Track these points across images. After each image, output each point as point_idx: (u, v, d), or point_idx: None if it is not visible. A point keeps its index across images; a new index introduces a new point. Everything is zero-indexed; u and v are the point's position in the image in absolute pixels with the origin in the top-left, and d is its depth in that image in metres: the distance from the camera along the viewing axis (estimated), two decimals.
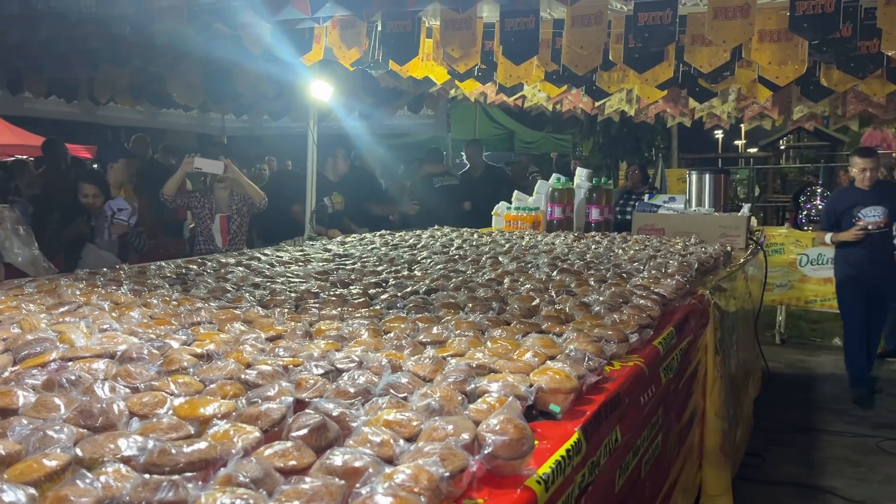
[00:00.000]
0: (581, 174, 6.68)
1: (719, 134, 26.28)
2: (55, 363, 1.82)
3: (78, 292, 2.81)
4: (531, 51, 4.81)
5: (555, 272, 3.50)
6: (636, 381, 2.17)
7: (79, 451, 1.30)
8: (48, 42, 6.25)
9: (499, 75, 5.76)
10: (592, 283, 3.21)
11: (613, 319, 2.48)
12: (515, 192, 6.63)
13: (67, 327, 2.16)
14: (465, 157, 8.33)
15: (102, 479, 1.16)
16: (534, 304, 2.69)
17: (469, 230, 5.82)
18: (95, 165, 11.38)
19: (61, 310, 2.51)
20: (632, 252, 4.37)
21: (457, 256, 4.09)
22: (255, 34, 5.71)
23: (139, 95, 8.01)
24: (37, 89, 7.98)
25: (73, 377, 1.70)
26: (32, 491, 1.16)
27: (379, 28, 5.59)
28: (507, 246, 4.64)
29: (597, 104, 7.55)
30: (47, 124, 11.12)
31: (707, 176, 6.49)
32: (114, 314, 2.47)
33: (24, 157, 12.13)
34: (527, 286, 3.09)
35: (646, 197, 7.10)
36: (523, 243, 4.81)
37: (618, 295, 2.89)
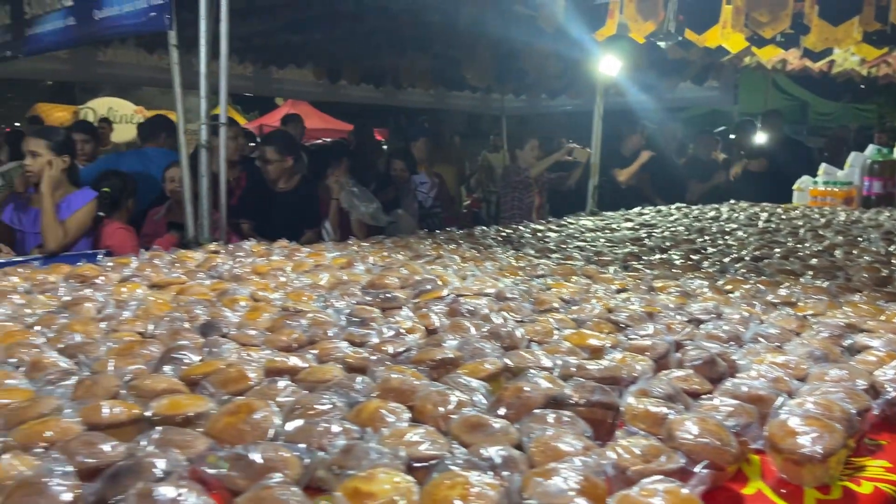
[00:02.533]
0: None
1: None
2: (450, 297, 2.16)
3: (429, 247, 3.24)
4: (853, 10, 4.42)
5: (892, 247, 3.24)
6: None
7: (508, 361, 1.57)
8: (368, 34, 7.11)
9: (809, 39, 5.35)
10: None
11: None
12: (823, 165, 6.12)
13: (441, 273, 2.53)
14: (759, 128, 7.83)
15: (541, 381, 1.40)
16: (883, 274, 2.55)
17: (770, 205, 5.52)
18: (385, 146, 12.63)
19: (423, 260, 2.92)
20: None
21: (770, 229, 3.95)
22: (551, 12, 5.94)
23: (437, 79, 8.74)
24: (352, 77, 9.11)
25: (468, 308, 2.02)
26: (484, 385, 1.44)
27: None
28: (824, 221, 4.35)
29: None
30: (353, 109, 12.56)
31: None
32: (465, 264, 2.83)
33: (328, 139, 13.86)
34: (865, 258, 2.92)
35: None
36: (841, 219, 4.48)
37: None
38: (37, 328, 1.79)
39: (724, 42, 6.10)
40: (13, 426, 1.22)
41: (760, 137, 7.82)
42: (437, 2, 5.97)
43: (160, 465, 1.06)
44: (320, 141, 14.34)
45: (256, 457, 1.09)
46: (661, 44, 6.61)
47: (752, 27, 5.42)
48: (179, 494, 0.97)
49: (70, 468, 1.04)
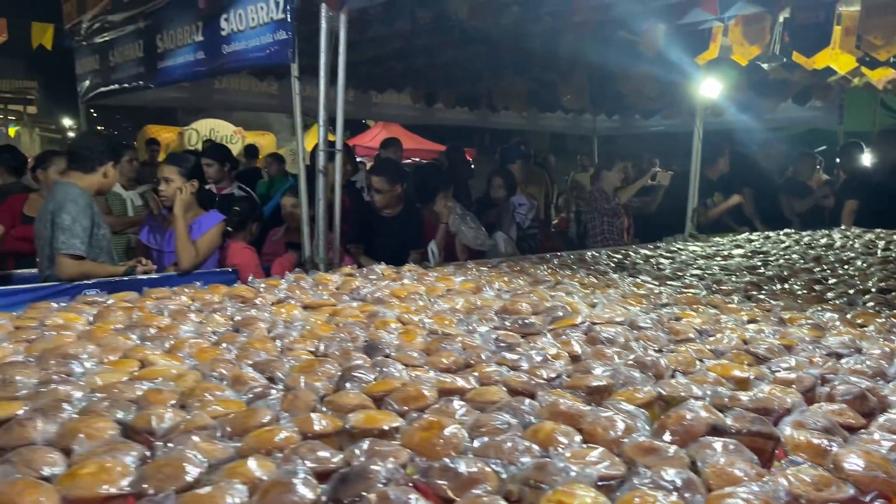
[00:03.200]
0: None
1: None
2: (584, 324, 2.28)
3: (545, 273, 3.36)
4: None
5: None
6: None
7: (660, 390, 1.68)
8: (468, 60, 7.34)
9: None
10: None
11: None
12: None
13: (569, 300, 2.65)
14: (868, 149, 7.57)
15: (700, 410, 1.50)
16: None
17: (885, 231, 5.37)
18: (472, 165, 12.84)
19: (544, 286, 3.05)
20: None
21: (891, 258, 3.88)
22: (652, 38, 6.01)
23: (532, 101, 8.89)
24: (447, 101, 9.38)
25: (606, 336, 2.13)
26: (643, 411, 1.55)
27: (781, 21, 5.50)
28: None
29: None
30: (442, 129, 12.84)
31: None
32: (586, 290, 2.94)
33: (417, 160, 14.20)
34: None
35: None
36: None
37: None
38: (223, 345, 2.02)
39: (833, 63, 6.01)
40: (240, 434, 1.42)
41: (868, 159, 7.57)
42: (539, 30, 6.13)
43: (382, 472, 1.23)
44: (410, 161, 14.74)
45: (462, 469, 1.24)
46: (764, 65, 6.55)
47: (866, 49, 5.34)
48: (410, 498, 1.13)
49: (309, 470, 1.22)
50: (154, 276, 4.21)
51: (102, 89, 7.05)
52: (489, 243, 5.16)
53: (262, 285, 2.86)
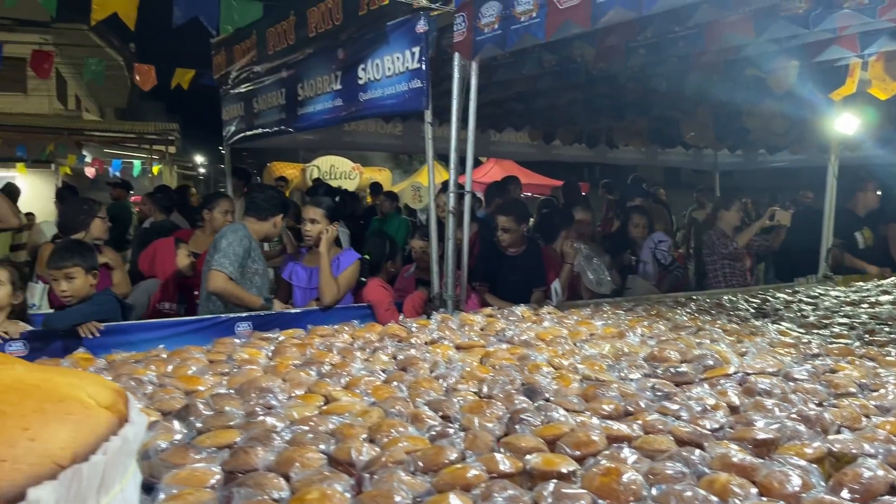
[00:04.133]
0: None
1: None
2: (738, 375, 2.30)
3: (684, 317, 3.37)
4: None
5: None
6: None
7: (831, 446, 1.70)
8: (590, 100, 7.43)
9: None
10: None
11: None
12: None
13: (718, 348, 2.67)
14: None
15: (877, 470, 1.51)
16: None
17: None
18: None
19: (686, 332, 3.06)
20: None
21: None
22: (783, 75, 5.90)
23: (652, 138, 8.85)
24: (566, 138, 9.48)
25: (763, 388, 2.15)
26: (814, 467, 1.58)
27: None
28: None
29: None
30: (555, 164, 12.94)
31: None
32: (730, 337, 2.94)
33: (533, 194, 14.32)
34: None
35: None
36: None
37: None
38: (394, 384, 2.20)
39: None
40: (431, 469, 1.57)
41: None
42: (665, 70, 6.15)
43: None
44: (523, 196, 14.84)
45: None
46: None
47: None
48: None
49: None
50: (296, 310, 4.52)
51: (246, 133, 7.64)
52: (611, 288, 5.16)
53: (414, 325, 3.04)
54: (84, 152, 17.23)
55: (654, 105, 7.52)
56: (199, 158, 29.06)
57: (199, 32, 7.17)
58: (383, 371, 2.36)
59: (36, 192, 15.04)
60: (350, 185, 18.42)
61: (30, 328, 3.63)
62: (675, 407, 1.97)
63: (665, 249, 6.40)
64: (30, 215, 9.70)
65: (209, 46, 7.92)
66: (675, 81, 6.46)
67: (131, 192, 11.76)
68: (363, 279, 4.95)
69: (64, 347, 3.60)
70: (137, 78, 10.55)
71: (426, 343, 2.77)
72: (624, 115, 7.98)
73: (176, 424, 1.74)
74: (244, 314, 4.14)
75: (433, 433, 1.78)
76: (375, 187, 12.51)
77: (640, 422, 1.86)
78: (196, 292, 5.49)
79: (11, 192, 8.59)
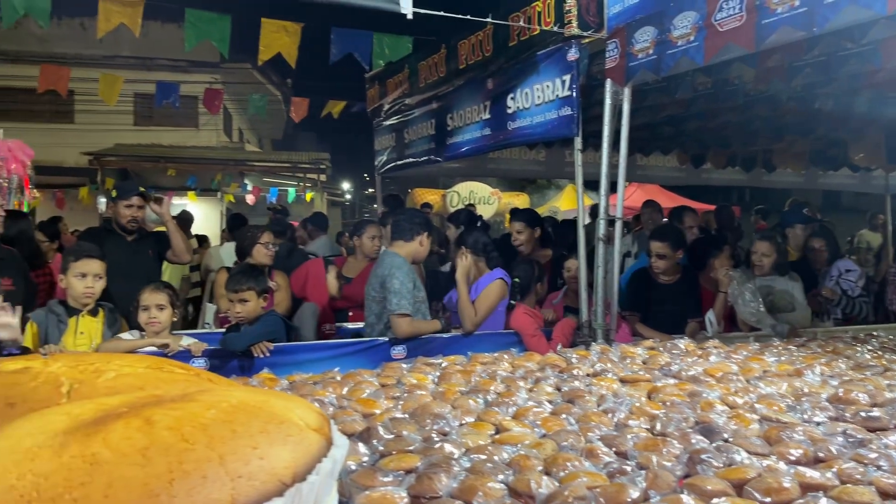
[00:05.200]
0: None
1: None
2: None
3: (867, 356, 3.12)
4: None
5: None
6: None
7: None
8: (745, 122, 7.11)
9: None
10: None
11: None
12: None
13: None
14: None
15: None
16: None
17: None
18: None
19: (871, 372, 2.83)
20: None
21: None
22: None
23: (815, 161, 8.31)
24: (717, 161, 9.10)
25: None
26: None
27: None
28: None
29: None
30: (701, 188, 12.42)
31: None
32: None
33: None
34: None
35: None
36: None
37: None
38: (563, 416, 2.19)
39: None
40: None
41: None
42: (833, 89, 5.77)
43: None
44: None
45: None
46: None
47: None
48: None
49: None
50: (445, 335, 4.61)
51: (397, 163, 7.95)
52: (768, 323, 4.83)
53: (574, 356, 3.02)
54: (245, 181, 18.63)
55: (817, 126, 7.07)
56: (345, 185, 30.54)
57: (351, 67, 7.57)
58: (549, 402, 2.36)
59: (204, 218, 16.43)
60: (488, 210, 18.62)
61: (209, 347, 3.95)
62: (873, 455, 1.82)
63: (853, 280, 5.87)
64: (204, 238, 10.57)
65: (358, 80, 8.36)
66: (843, 101, 6.04)
67: (288, 216, 12.53)
68: (512, 302, 4.96)
69: (239, 366, 3.91)
70: (293, 110, 11.27)
71: (588, 375, 2.74)
72: (782, 136, 7.56)
73: (361, 447, 1.83)
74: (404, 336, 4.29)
75: (610, 469, 1.75)
76: (515, 213, 12.54)
77: (834, 469, 1.74)
78: (350, 313, 5.76)
79: (186, 218, 9.41)
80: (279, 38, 6.87)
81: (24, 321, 3.66)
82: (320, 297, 5.61)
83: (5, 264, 4.26)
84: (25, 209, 6.94)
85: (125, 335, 3.89)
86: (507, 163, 9.17)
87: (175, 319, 4.05)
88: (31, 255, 4.93)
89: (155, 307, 3.76)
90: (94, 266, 3.79)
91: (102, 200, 16.14)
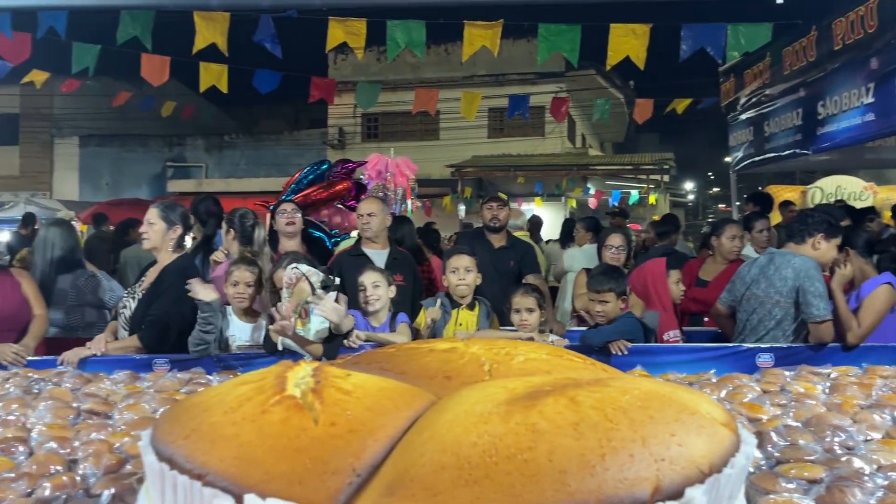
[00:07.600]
0: None
1: None
2: None
3: None
4: None
5: None
6: None
7: None
8: None
9: None
10: None
11: None
12: None
13: None
14: None
15: None
16: None
17: None
18: None
19: None
20: None
21: None
22: None
23: None
24: None
25: None
26: None
27: None
28: None
29: None
30: None
31: None
32: None
33: None
34: None
35: None
36: None
37: None
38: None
39: None
40: None
41: None
42: None
43: None
44: None
45: None
46: None
47: None
48: None
49: None
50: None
51: (755, 158, 7.43)
52: None
53: None
54: (588, 185, 19.05)
55: None
56: (688, 185, 29.37)
57: (699, 63, 7.27)
58: None
59: (549, 222, 17.22)
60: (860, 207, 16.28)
61: (569, 343, 4.13)
62: None
63: None
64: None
65: (705, 75, 7.99)
66: None
67: (627, 219, 12.46)
68: None
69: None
70: (636, 111, 11.19)
71: None
72: None
73: (756, 452, 1.77)
74: (765, 346, 3.98)
75: None
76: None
77: None
78: (706, 319, 5.48)
79: (536, 223, 9.97)
80: (627, 42, 6.89)
81: (416, 308, 4.29)
82: (663, 297, 5.43)
83: (398, 263, 4.95)
84: (409, 215, 8.00)
85: (493, 331, 4.28)
86: (890, 151, 7.95)
87: (543, 320, 4.32)
88: (414, 253, 5.69)
89: (525, 310, 4.07)
90: (464, 261, 4.26)
91: (462, 207, 17.92)
